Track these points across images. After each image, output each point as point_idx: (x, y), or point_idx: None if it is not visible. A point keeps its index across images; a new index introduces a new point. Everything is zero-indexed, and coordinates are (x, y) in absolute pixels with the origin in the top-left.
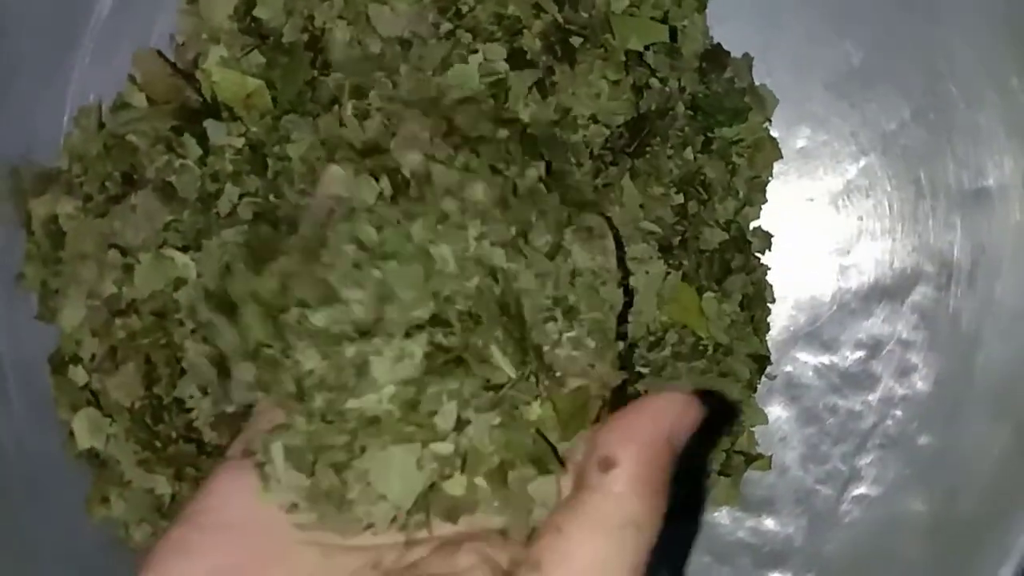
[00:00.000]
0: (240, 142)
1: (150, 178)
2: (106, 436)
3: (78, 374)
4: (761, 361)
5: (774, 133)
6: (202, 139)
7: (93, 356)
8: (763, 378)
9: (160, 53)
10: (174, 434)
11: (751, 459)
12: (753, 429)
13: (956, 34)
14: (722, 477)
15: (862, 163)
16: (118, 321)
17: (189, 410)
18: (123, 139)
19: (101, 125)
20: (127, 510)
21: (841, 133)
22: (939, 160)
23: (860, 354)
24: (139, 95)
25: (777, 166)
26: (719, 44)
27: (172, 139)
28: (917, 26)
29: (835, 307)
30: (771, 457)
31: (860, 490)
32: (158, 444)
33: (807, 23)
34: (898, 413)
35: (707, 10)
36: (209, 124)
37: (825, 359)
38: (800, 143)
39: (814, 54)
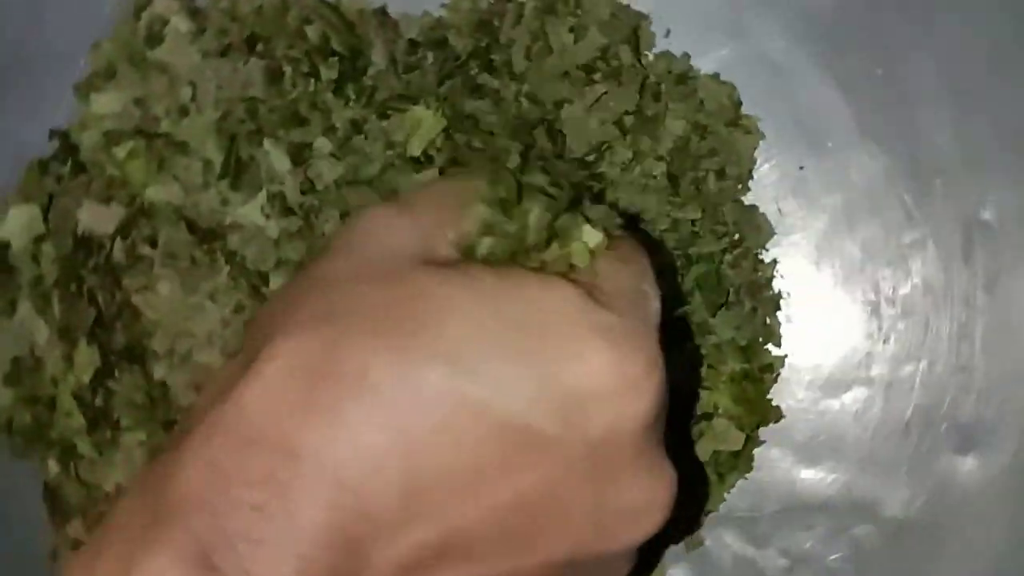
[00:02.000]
0: None
1: None
2: None
3: None
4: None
5: None
6: None
7: None
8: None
9: None
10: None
11: None
12: None
13: (1001, 184)
14: None
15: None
16: None
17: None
18: None
19: None
20: None
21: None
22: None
23: (784, 563)
24: None
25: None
26: None
27: None
28: (962, 185)
29: (780, 509)
30: None
31: None
32: None
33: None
34: None
35: None
36: None
37: (749, 552)
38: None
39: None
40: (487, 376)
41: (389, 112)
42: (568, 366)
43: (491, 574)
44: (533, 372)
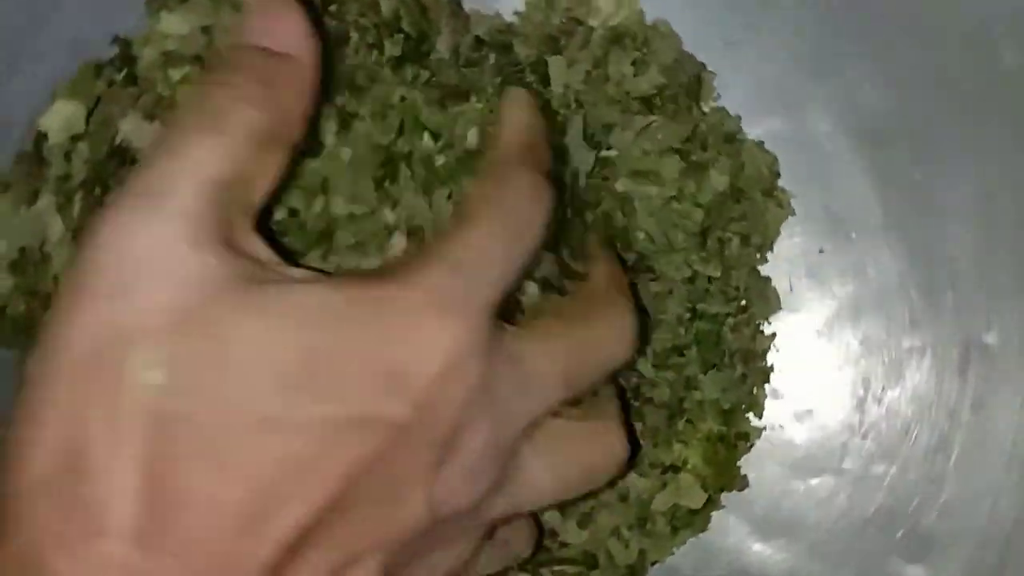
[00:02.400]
0: None
1: None
2: None
3: None
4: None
5: None
6: None
7: None
8: None
9: None
10: None
11: None
12: None
13: (1010, 313)
14: None
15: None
16: None
17: None
18: None
19: None
20: None
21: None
22: None
23: None
24: None
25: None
26: None
27: None
28: (972, 304)
29: None
30: None
31: None
32: None
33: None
34: None
35: None
36: None
37: None
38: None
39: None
40: (313, 390)
41: (445, 102)
42: (385, 348)
43: (350, 550)
44: (350, 364)
